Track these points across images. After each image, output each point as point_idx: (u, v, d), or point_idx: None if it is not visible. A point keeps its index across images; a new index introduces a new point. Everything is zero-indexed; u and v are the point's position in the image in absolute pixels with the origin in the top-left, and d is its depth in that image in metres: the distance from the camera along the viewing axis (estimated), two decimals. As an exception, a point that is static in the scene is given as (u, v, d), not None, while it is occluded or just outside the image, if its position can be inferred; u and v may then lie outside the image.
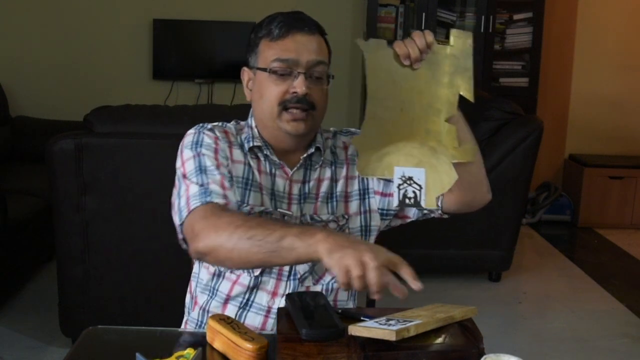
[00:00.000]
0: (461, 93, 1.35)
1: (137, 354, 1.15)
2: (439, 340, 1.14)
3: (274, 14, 1.47)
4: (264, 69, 1.44)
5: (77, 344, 1.29)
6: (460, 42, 1.35)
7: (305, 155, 1.50)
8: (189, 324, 1.56)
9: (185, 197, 1.37)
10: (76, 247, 2.69)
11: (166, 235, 2.70)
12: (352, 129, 1.62)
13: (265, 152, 1.48)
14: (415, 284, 1.16)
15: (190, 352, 1.16)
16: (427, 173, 1.29)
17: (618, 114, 5.28)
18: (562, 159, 5.35)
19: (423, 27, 4.82)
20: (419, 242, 3.73)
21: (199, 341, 1.25)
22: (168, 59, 5.07)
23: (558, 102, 5.28)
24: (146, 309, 2.76)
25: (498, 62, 4.95)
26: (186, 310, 1.60)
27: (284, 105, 1.42)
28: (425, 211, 1.52)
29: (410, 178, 1.29)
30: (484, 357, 1.06)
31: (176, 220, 1.39)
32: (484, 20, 4.78)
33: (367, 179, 1.54)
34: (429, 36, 1.32)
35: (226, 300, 1.49)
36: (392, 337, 1.09)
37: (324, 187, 1.52)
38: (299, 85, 1.40)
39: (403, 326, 1.11)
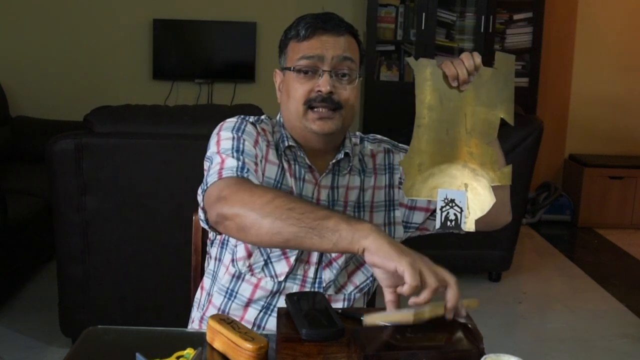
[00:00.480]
0: (502, 116, 1.35)
1: (137, 354, 1.15)
2: (439, 340, 1.14)
3: (305, 15, 1.47)
4: (291, 68, 1.43)
5: (77, 344, 1.29)
6: (503, 64, 1.35)
7: (334, 160, 1.48)
8: (203, 323, 1.52)
9: (218, 168, 1.32)
10: (76, 247, 2.69)
11: (166, 235, 2.72)
12: (379, 136, 1.60)
13: (298, 153, 1.47)
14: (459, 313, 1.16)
15: (190, 352, 1.15)
16: (468, 195, 1.30)
17: (618, 114, 5.28)
18: (562, 159, 5.35)
19: (423, 27, 4.82)
20: (419, 242, 3.72)
21: (199, 341, 1.25)
22: (168, 59, 5.07)
23: (558, 102, 5.28)
24: (146, 309, 2.76)
25: (498, 62, 4.94)
26: (195, 305, 1.58)
27: (309, 104, 1.41)
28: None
29: (452, 200, 1.30)
30: (484, 357, 1.06)
31: (199, 191, 1.36)
32: (484, 20, 4.78)
33: (393, 190, 1.54)
34: (477, 58, 1.31)
35: (247, 304, 1.46)
36: (410, 320, 1.09)
37: (353, 196, 1.50)
38: (323, 84, 1.40)
39: (419, 309, 1.12)
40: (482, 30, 4.80)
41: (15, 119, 4.70)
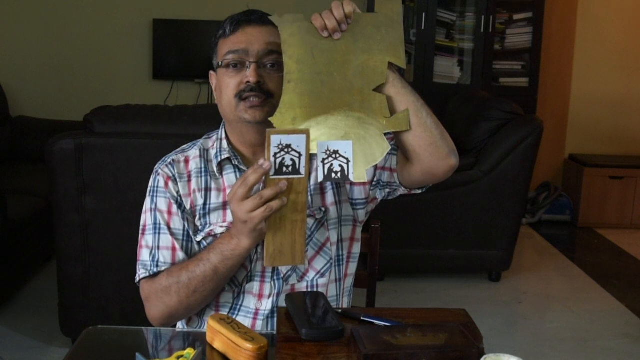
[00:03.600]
0: (390, 60, 1.31)
1: (137, 354, 1.15)
2: (439, 340, 1.14)
3: (231, 15, 1.51)
4: (220, 64, 1.48)
5: (77, 344, 1.29)
6: (387, 9, 1.31)
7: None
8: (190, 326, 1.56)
9: (138, 258, 1.49)
10: (76, 247, 2.69)
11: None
12: None
13: (234, 163, 1.50)
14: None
15: (190, 352, 1.15)
16: (354, 145, 1.26)
17: (618, 114, 5.28)
18: (562, 159, 5.35)
19: (423, 27, 4.82)
20: (419, 242, 3.73)
21: (199, 341, 1.25)
22: (168, 59, 5.07)
23: (558, 102, 5.28)
24: (146, 309, 2.76)
25: (498, 62, 4.95)
26: None
27: (240, 96, 1.44)
28: (387, 190, 1.50)
29: (336, 152, 1.26)
30: (484, 357, 1.06)
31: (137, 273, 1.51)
32: (484, 20, 4.78)
33: None
34: (348, 6, 1.30)
35: (217, 307, 1.50)
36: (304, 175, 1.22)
37: None
38: (251, 75, 1.42)
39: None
40: (482, 30, 4.80)
41: (15, 119, 4.70)
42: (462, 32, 4.97)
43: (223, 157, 1.50)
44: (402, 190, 1.51)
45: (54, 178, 2.65)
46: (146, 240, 1.49)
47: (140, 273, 1.48)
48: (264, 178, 1.25)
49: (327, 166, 1.26)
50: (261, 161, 1.23)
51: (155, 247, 1.47)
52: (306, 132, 1.23)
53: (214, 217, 1.49)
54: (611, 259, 4.44)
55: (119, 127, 2.71)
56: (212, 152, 1.53)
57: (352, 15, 1.30)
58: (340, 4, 1.30)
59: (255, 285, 1.48)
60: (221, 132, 1.54)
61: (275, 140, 1.20)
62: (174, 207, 1.49)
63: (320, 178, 1.28)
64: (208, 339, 1.24)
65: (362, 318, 1.28)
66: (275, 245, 1.27)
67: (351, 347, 1.13)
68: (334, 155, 1.26)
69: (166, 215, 1.49)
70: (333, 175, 1.26)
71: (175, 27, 5.03)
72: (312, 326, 1.16)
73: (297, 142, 1.22)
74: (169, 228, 1.48)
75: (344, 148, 1.26)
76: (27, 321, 3.13)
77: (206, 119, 2.64)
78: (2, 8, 5.00)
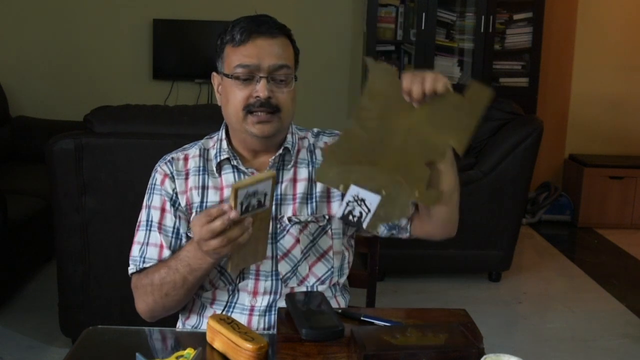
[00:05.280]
0: (452, 145, 1.32)
1: (137, 354, 1.15)
2: (439, 340, 1.14)
3: (238, 19, 1.50)
4: (228, 75, 1.46)
5: (77, 344, 1.29)
6: (476, 96, 1.29)
7: (272, 158, 1.51)
8: (187, 325, 1.57)
9: (130, 253, 1.52)
10: (76, 247, 2.69)
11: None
12: (336, 131, 1.61)
13: (233, 163, 1.51)
14: None
15: (190, 352, 1.16)
16: (381, 201, 1.29)
17: (618, 114, 5.28)
18: (562, 159, 5.35)
19: (423, 27, 4.82)
20: (419, 242, 3.72)
21: (199, 341, 1.25)
22: (168, 59, 5.07)
23: (558, 102, 5.28)
24: (146, 309, 2.76)
25: (498, 62, 4.95)
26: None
27: (248, 109, 1.44)
28: (393, 231, 1.56)
29: (362, 200, 1.30)
30: (484, 357, 1.06)
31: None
32: (484, 20, 4.78)
33: None
34: (442, 86, 1.27)
35: (211, 303, 1.52)
36: (271, 175, 1.23)
37: (301, 188, 1.53)
38: (261, 90, 1.42)
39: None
40: (482, 30, 4.80)
41: (15, 119, 4.70)
42: (462, 32, 4.97)
43: (222, 158, 1.51)
44: (403, 236, 1.58)
45: (54, 178, 2.65)
46: (138, 236, 1.52)
47: (130, 268, 1.51)
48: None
49: (349, 208, 1.30)
50: (226, 207, 1.22)
51: (145, 243, 1.50)
52: (271, 176, 1.25)
53: None
54: (611, 259, 4.44)
55: (119, 127, 2.71)
56: (212, 152, 1.54)
57: (441, 93, 1.28)
58: (435, 78, 1.28)
59: (249, 283, 1.50)
60: (222, 133, 1.55)
61: (241, 193, 1.22)
62: (168, 205, 1.51)
63: (339, 215, 1.34)
64: (208, 339, 1.24)
65: (362, 318, 1.28)
66: (240, 256, 1.30)
67: (351, 347, 1.13)
68: (359, 202, 1.30)
69: (159, 213, 1.51)
70: (350, 217, 1.31)
71: (175, 27, 5.02)
72: (312, 326, 1.16)
73: (263, 188, 1.24)
74: (160, 226, 1.50)
75: (370, 199, 1.30)
76: (27, 321, 3.13)
77: (206, 119, 2.64)
78: (2, 8, 5.00)
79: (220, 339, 1.20)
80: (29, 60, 5.04)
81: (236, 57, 1.45)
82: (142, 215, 1.54)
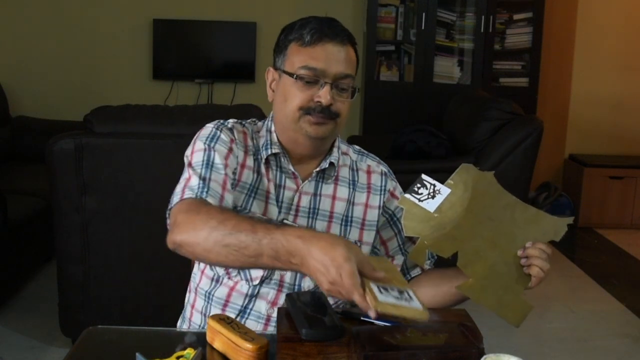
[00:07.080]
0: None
1: (137, 354, 1.15)
2: (439, 340, 1.14)
3: (308, 18, 1.46)
4: (291, 74, 1.42)
5: (77, 344, 1.29)
6: (559, 229, 1.40)
7: (317, 169, 1.48)
8: (190, 325, 1.55)
9: (183, 185, 1.36)
10: (76, 247, 2.69)
11: (166, 235, 2.72)
12: (377, 158, 1.60)
13: (281, 160, 1.47)
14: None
15: (190, 352, 1.15)
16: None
17: (618, 114, 5.28)
18: (562, 159, 5.35)
19: (423, 27, 4.82)
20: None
21: (199, 341, 1.25)
22: (168, 59, 5.07)
23: (558, 102, 5.28)
24: (146, 309, 2.76)
25: (498, 62, 4.95)
26: (186, 304, 1.59)
27: (306, 111, 1.41)
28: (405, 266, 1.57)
29: (433, 185, 1.35)
30: (484, 357, 1.06)
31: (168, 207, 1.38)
32: (484, 20, 4.78)
33: (388, 214, 1.55)
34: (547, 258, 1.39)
35: (224, 306, 1.47)
36: (425, 318, 1.11)
37: (339, 208, 1.50)
38: (324, 96, 1.39)
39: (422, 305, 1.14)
40: (482, 30, 4.80)
41: (15, 119, 4.70)
42: (462, 32, 4.97)
43: (273, 152, 1.46)
44: (414, 273, 1.57)
45: (54, 178, 2.65)
46: (196, 170, 1.38)
47: (185, 194, 1.33)
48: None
49: (418, 184, 1.36)
50: (371, 313, 1.09)
51: (208, 178, 1.36)
52: (425, 319, 1.13)
53: (256, 206, 1.44)
54: (611, 259, 4.44)
55: (119, 127, 2.71)
56: (261, 141, 1.49)
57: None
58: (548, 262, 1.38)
59: (270, 292, 1.45)
60: (271, 124, 1.50)
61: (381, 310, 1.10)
62: (232, 158, 1.42)
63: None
64: (208, 339, 1.24)
65: (362, 318, 1.28)
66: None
67: (351, 347, 1.13)
68: (430, 184, 1.36)
69: (223, 158, 1.40)
70: (414, 191, 1.36)
71: (175, 27, 5.03)
72: (312, 326, 1.15)
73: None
74: (225, 167, 1.39)
75: (443, 190, 1.36)
76: (27, 321, 3.13)
77: (206, 119, 2.63)
78: (2, 8, 5.00)
79: (220, 339, 1.20)
80: (29, 60, 5.04)
81: (302, 58, 1.41)
82: (198, 157, 1.39)
